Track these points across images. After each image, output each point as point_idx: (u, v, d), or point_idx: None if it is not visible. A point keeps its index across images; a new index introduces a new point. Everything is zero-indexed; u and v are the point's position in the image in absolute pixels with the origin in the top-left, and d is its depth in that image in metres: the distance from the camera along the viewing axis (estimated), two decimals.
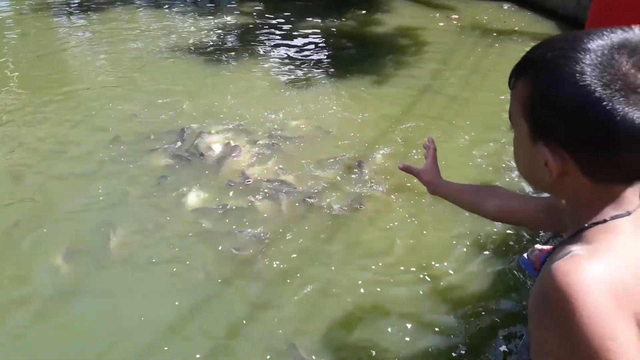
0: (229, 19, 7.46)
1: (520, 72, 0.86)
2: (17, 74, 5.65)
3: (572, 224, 0.88)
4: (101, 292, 2.78)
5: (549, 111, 0.80)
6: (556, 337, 0.74)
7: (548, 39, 0.84)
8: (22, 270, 2.94)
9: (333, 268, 2.90)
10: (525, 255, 1.87)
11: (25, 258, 3.02)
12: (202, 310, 2.65)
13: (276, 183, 3.57)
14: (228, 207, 3.35)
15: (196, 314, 2.62)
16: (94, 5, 8.05)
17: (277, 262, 2.93)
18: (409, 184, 3.50)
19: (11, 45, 6.63)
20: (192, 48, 6.22)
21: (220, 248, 3.03)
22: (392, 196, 3.46)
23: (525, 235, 3.12)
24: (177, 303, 2.67)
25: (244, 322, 2.57)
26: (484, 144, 4.12)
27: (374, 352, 2.41)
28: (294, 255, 2.98)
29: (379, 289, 2.75)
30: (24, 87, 5.25)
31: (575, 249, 0.80)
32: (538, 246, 1.82)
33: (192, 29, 7.02)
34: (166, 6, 8.08)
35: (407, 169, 1.68)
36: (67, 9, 8.01)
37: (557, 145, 0.81)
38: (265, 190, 3.49)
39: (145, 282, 2.85)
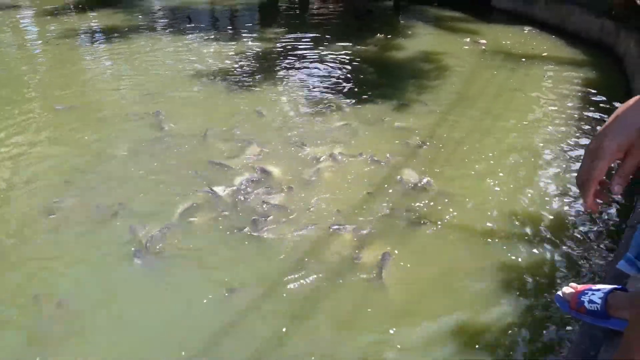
0: (250, 45, 7.60)
1: None
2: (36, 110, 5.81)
3: None
4: None
5: None
6: None
7: None
8: None
9: None
10: (559, 293, 1.84)
11: None
12: None
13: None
14: None
15: None
16: (118, 34, 8.27)
17: None
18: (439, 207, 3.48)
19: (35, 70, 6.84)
20: (214, 74, 6.33)
21: None
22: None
23: (560, 272, 3.04)
24: None
25: None
26: (505, 167, 4.11)
27: None
28: None
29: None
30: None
31: None
32: (573, 285, 1.79)
33: (214, 55, 7.16)
34: (188, 32, 8.27)
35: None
36: (90, 37, 8.29)
37: None
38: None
39: None
